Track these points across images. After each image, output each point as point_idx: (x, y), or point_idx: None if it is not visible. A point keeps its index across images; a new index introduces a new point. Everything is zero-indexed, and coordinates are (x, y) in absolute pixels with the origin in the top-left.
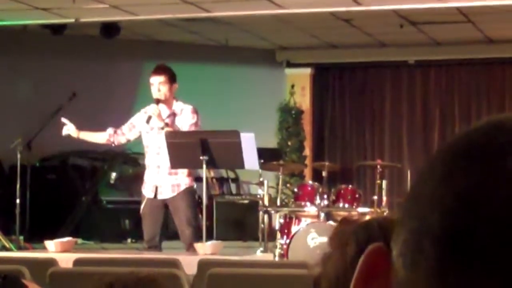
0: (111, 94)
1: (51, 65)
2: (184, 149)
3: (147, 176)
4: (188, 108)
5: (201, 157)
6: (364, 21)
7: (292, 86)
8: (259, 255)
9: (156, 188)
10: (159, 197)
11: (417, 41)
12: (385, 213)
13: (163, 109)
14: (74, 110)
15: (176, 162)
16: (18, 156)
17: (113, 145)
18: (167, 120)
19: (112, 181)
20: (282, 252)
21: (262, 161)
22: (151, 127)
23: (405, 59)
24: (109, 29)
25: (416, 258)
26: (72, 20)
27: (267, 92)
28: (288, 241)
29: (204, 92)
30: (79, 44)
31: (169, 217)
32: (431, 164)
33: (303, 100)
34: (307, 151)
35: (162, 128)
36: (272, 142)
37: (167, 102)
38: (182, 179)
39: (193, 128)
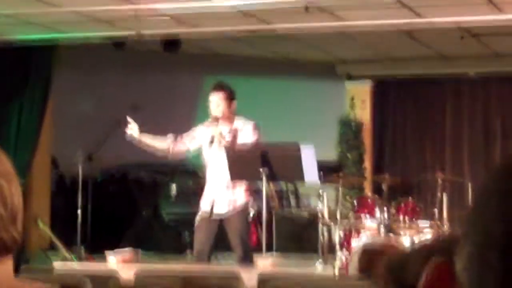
0: (172, 107)
1: (112, 79)
2: (244, 161)
3: (206, 190)
4: (249, 125)
5: (260, 170)
6: (425, 33)
7: (352, 99)
8: (318, 268)
9: (213, 201)
10: (215, 211)
11: (478, 53)
12: (445, 229)
13: (224, 127)
14: (135, 123)
15: (236, 174)
16: (80, 169)
17: (171, 151)
18: (228, 138)
19: (172, 194)
20: (341, 265)
21: (321, 174)
22: (212, 142)
23: (466, 72)
24: (170, 43)
25: (482, 271)
26: (133, 32)
27: (327, 105)
28: (348, 254)
29: (265, 105)
30: (140, 58)
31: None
32: (495, 178)
33: (363, 113)
34: (367, 164)
35: (224, 146)
36: (332, 155)
37: (227, 119)
38: (239, 194)
39: None
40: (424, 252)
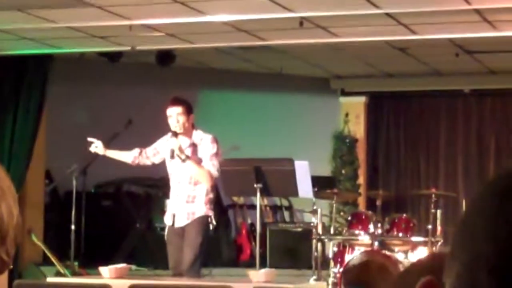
0: (167, 121)
1: (107, 93)
2: (238, 176)
3: (168, 204)
4: (207, 137)
5: (255, 185)
6: (419, 50)
7: (347, 115)
8: (312, 283)
9: (174, 216)
10: (176, 224)
11: (472, 70)
12: (439, 243)
13: (183, 140)
14: (130, 137)
15: (230, 189)
16: (74, 182)
17: (136, 165)
18: (188, 152)
19: (166, 208)
20: (335, 280)
21: (315, 189)
22: (172, 156)
23: (460, 88)
24: (165, 56)
25: None
26: (128, 48)
27: (321, 120)
28: (341, 269)
29: (258, 120)
30: (134, 72)
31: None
32: (482, 197)
33: (358, 128)
34: (361, 180)
35: (184, 161)
36: (326, 170)
37: (186, 133)
38: (198, 207)
39: (214, 158)
40: (415, 271)
